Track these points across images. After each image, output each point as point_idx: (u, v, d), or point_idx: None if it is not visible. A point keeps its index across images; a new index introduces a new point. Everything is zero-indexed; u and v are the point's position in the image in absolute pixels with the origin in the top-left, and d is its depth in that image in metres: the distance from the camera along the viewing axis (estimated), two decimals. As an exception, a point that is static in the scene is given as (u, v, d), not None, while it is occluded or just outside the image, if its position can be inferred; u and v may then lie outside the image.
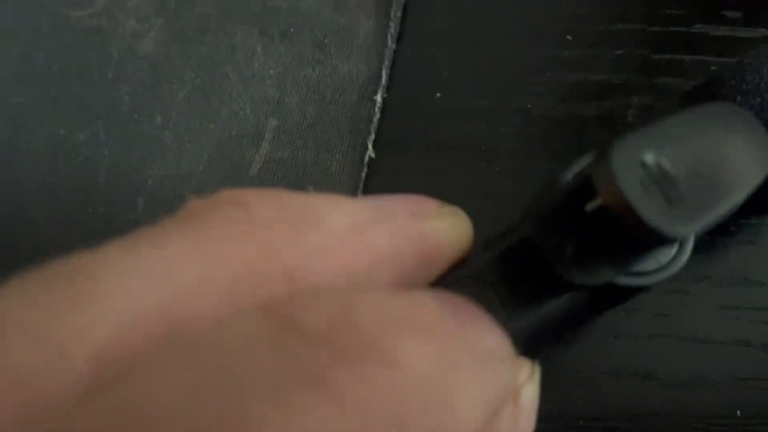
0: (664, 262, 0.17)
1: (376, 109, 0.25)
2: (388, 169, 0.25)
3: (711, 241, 0.23)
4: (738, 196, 0.15)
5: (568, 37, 0.25)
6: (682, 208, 0.14)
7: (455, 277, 0.16)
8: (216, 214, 0.12)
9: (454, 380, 0.11)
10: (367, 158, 0.24)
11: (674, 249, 0.17)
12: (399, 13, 0.25)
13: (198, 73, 0.25)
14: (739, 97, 0.19)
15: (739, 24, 0.25)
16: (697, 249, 0.18)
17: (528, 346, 0.16)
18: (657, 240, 0.14)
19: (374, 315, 0.11)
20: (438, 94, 0.25)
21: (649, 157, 0.14)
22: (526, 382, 0.15)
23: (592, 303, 0.18)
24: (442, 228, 0.15)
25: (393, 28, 0.25)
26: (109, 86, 0.26)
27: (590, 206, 0.14)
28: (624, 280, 0.16)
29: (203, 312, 0.11)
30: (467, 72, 0.25)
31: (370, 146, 0.24)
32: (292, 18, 0.26)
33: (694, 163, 0.14)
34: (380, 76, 0.25)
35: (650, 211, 0.13)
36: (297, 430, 0.09)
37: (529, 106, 0.25)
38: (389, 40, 0.25)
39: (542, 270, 0.15)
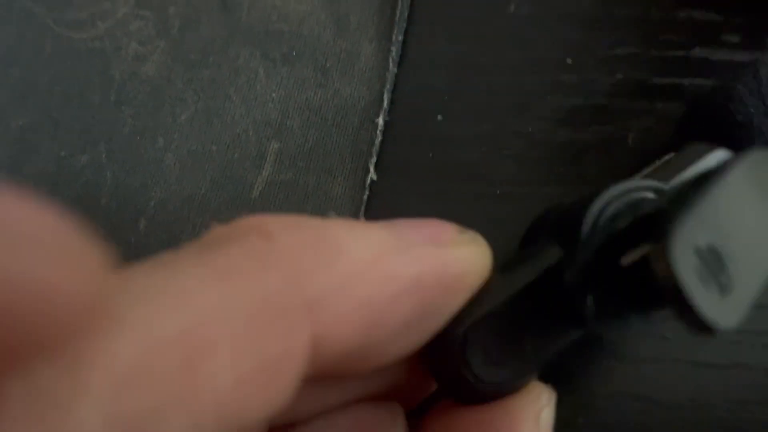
0: None
1: (378, 132, 0.25)
2: (389, 191, 0.25)
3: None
4: None
5: (568, 61, 0.25)
6: (731, 295, 0.14)
7: (477, 314, 0.15)
8: (239, 243, 0.13)
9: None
10: (368, 181, 0.24)
11: None
12: (401, 38, 0.26)
13: (200, 95, 0.26)
14: (752, 110, 0.19)
15: (738, 48, 0.25)
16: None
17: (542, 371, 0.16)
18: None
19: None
20: (439, 118, 0.25)
21: (704, 242, 0.13)
22: (545, 406, 0.16)
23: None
24: (464, 256, 0.15)
25: (395, 52, 0.25)
26: (112, 109, 0.26)
27: (625, 261, 0.15)
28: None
29: (223, 340, 0.11)
30: (468, 96, 0.25)
31: (371, 169, 0.25)
32: (294, 42, 0.26)
33: (743, 240, 0.14)
34: (382, 100, 0.25)
35: (706, 306, 0.13)
36: None
37: (529, 130, 0.25)
38: (391, 64, 0.25)
39: (565, 309, 0.16)
